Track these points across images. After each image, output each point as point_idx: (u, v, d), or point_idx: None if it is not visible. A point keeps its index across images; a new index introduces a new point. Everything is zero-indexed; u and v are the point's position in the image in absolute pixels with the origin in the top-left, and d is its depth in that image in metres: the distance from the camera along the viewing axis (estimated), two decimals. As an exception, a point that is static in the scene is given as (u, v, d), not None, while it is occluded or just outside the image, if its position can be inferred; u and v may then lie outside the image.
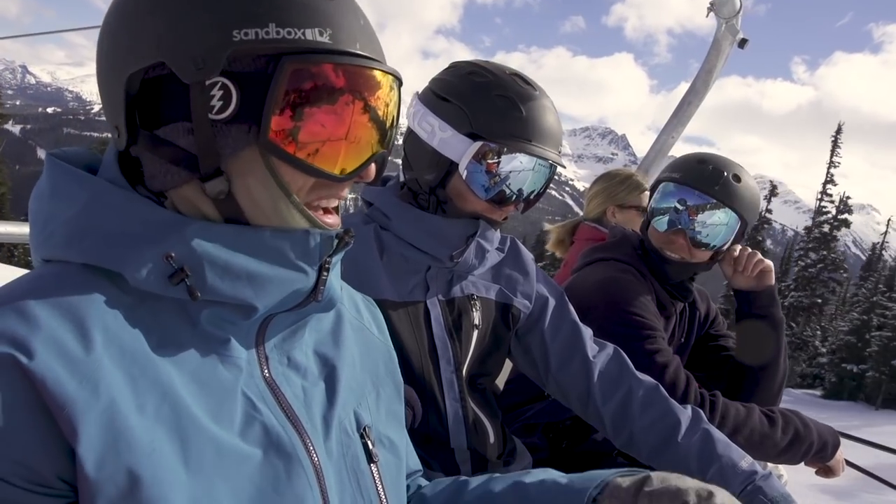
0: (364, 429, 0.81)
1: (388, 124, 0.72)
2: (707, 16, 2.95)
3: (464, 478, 0.98)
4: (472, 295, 1.41)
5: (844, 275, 30.64)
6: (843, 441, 1.70)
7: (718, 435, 1.36)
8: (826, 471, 1.68)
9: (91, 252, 0.64)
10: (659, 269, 1.84)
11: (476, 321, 1.40)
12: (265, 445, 0.68)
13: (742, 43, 2.97)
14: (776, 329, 1.85)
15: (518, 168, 1.26)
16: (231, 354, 0.70)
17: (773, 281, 1.87)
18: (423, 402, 1.30)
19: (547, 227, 2.91)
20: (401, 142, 1.37)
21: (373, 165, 0.72)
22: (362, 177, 0.72)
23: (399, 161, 1.39)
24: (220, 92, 0.64)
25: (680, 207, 1.77)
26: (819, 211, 30.18)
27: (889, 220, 41.40)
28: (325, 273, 0.72)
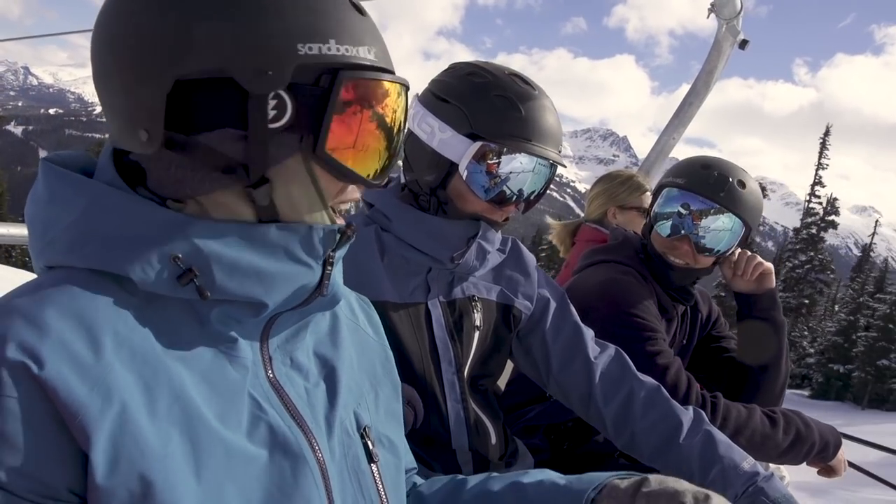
0: (364, 429, 0.81)
1: (402, 130, 0.77)
2: (708, 17, 2.95)
3: (461, 476, 0.98)
4: (474, 296, 1.41)
5: (832, 276, 30.90)
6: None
7: (720, 436, 1.36)
8: (828, 471, 1.68)
9: (96, 257, 0.63)
10: (662, 273, 1.83)
11: (477, 322, 1.40)
12: (272, 446, 0.68)
13: (743, 44, 2.97)
14: (777, 331, 1.85)
15: (518, 168, 1.26)
16: (239, 355, 0.70)
17: (774, 284, 1.86)
18: (425, 404, 1.29)
19: (550, 221, 2.92)
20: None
21: None
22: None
23: (400, 162, 1.39)
24: (274, 101, 0.65)
25: (683, 212, 1.76)
26: (808, 212, 30.45)
27: (877, 221, 41.59)
28: (330, 268, 0.73)
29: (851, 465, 1.91)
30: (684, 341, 1.99)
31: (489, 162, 1.24)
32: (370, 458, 0.80)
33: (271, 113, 0.65)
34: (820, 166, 31.23)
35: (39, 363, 0.56)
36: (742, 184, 1.74)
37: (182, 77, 0.63)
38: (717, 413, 1.55)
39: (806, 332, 30.73)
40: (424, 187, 1.31)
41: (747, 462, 1.30)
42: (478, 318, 1.40)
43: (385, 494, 0.81)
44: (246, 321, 0.70)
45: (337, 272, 0.75)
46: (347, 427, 0.79)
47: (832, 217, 30.11)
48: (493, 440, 1.42)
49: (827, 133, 31.30)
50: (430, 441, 1.33)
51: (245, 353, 0.71)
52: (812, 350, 30.92)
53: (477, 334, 1.40)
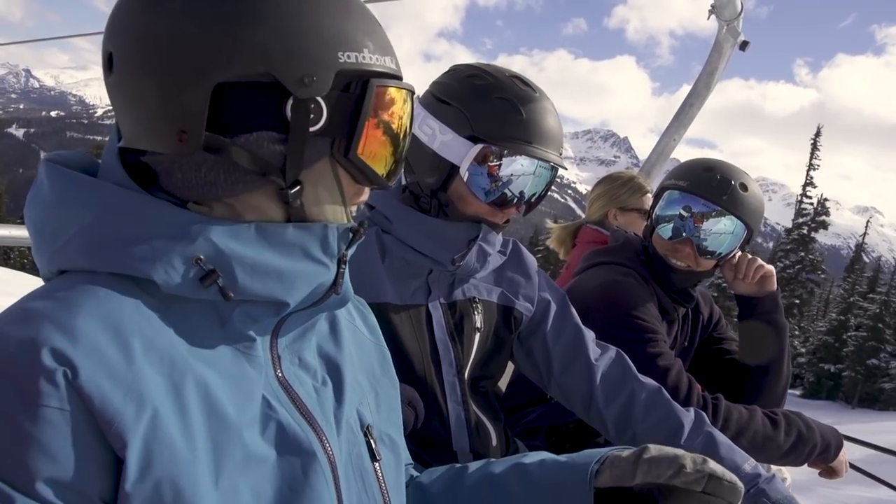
0: (367, 427, 0.82)
1: (410, 134, 0.81)
2: (708, 18, 2.94)
3: (461, 464, 0.99)
4: (474, 298, 1.41)
5: (823, 276, 31.18)
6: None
7: (721, 438, 1.36)
8: (829, 472, 1.67)
9: (116, 260, 0.63)
10: (663, 276, 1.83)
11: (478, 324, 1.40)
12: (283, 444, 0.69)
13: (743, 45, 2.97)
14: (779, 333, 1.84)
15: (519, 170, 1.26)
16: (256, 354, 0.71)
17: (775, 286, 1.86)
18: (426, 405, 1.29)
19: (549, 224, 2.91)
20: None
21: None
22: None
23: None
24: (312, 106, 0.67)
25: (685, 215, 1.76)
26: (799, 213, 30.70)
27: (867, 222, 41.88)
28: (343, 266, 0.74)
29: (853, 466, 1.91)
30: (685, 343, 1.99)
31: (490, 164, 1.24)
32: (373, 456, 0.81)
33: (310, 118, 0.67)
34: (811, 167, 31.57)
35: (74, 370, 0.56)
36: (744, 186, 1.74)
37: (225, 80, 0.64)
38: (718, 415, 1.55)
39: (797, 332, 31.00)
40: (425, 189, 1.31)
41: (749, 464, 1.30)
42: (478, 319, 1.40)
43: (387, 493, 0.82)
44: (263, 320, 0.70)
45: (347, 271, 0.76)
46: (352, 425, 0.80)
47: (823, 217, 30.37)
48: (494, 442, 1.42)
49: (818, 134, 31.63)
50: (430, 442, 1.33)
51: (260, 353, 0.71)
52: (804, 350, 31.20)
53: (478, 336, 1.40)
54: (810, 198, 30.79)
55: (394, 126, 0.74)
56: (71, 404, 0.55)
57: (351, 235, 0.74)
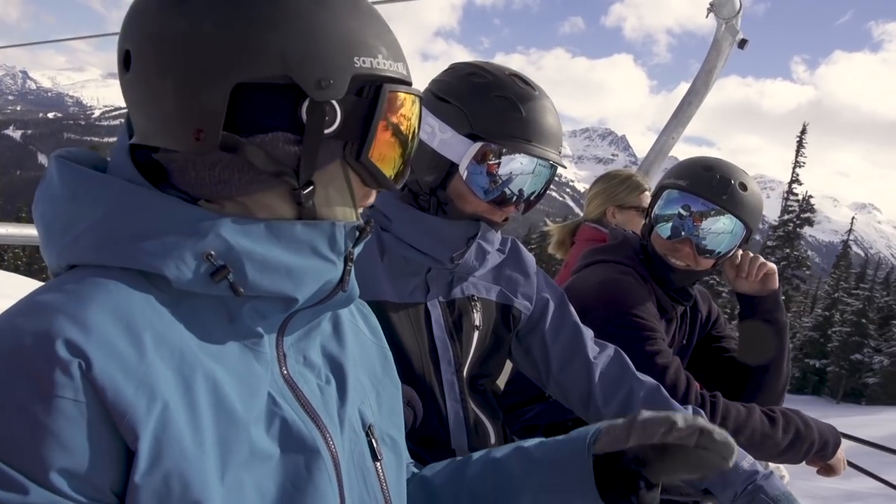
0: (369, 427, 0.83)
1: (417, 137, 0.83)
2: (707, 16, 2.94)
3: (462, 457, 1.01)
4: (473, 296, 1.41)
5: (808, 272, 31.51)
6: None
7: (720, 435, 1.36)
8: (827, 469, 1.68)
9: (128, 255, 0.64)
10: (662, 274, 1.83)
11: (477, 322, 1.40)
12: (287, 441, 0.69)
13: (742, 43, 2.96)
14: (779, 332, 1.85)
15: (518, 169, 1.26)
16: (264, 350, 0.71)
17: (777, 284, 1.86)
18: (424, 404, 1.30)
19: (549, 225, 2.91)
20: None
21: None
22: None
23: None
24: (327, 108, 0.69)
25: (684, 214, 1.76)
26: (785, 210, 31.05)
27: (853, 217, 42.22)
28: (350, 263, 0.75)
29: (850, 464, 1.92)
30: (684, 341, 1.99)
31: (489, 163, 1.24)
32: (374, 456, 0.82)
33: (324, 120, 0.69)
34: (798, 164, 32.15)
35: (87, 362, 0.56)
36: (744, 186, 1.74)
37: (243, 81, 0.65)
38: (716, 412, 1.55)
39: None
40: (424, 187, 1.31)
41: (747, 461, 1.31)
42: (477, 318, 1.40)
43: (388, 493, 0.83)
44: (271, 317, 0.71)
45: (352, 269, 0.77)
46: (354, 424, 0.80)
47: (807, 214, 30.91)
48: (493, 440, 1.42)
49: (804, 131, 32.15)
50: (429, 441, 1.33)
51: (266, 350, 0.72)
52: (790, 345, 31.65)
53: (476, 334, 1.40)
54: (796, 195, 31.19)
55: (403, 130, 0.76)
56: (86, 396, 0.56)
57: (357, 234, 0.75)
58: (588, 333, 1.50)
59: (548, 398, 1.77)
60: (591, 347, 1.47)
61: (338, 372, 0.82)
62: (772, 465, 2.06)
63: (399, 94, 0.73)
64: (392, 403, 0.93)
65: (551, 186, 1.37)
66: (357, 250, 0.76)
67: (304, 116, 0.68)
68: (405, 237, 1.32)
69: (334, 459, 0.73)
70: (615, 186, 2.71)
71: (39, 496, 0.54)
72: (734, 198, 1.72)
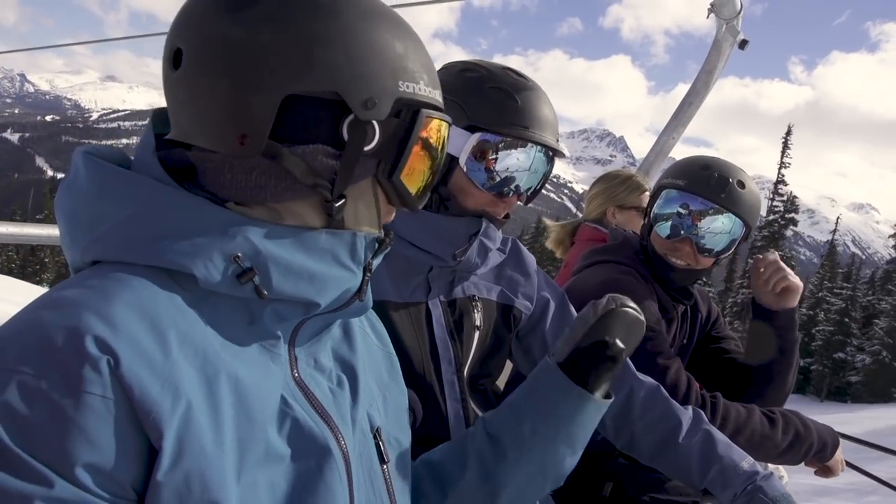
0: (377, 430, 0.84)
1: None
2: (707, 17, 2.94)
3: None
4: (474, 296, 1.41)
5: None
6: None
7: (719, 436, 1.36)
8: (825, 471, 1.68)
9: (157, 253, 0.64)
10: (662, 274, 1.83)
11: (477, 322, 1.40)
12: (300, 440, 0.70)
13: (742, 44, 2.97)
14: (786, 352, 1.81)
15: (517, 156, 1.25)
16: (279, 352, 0.73)
17: (795, 303, 1.81)
18: (424, 403, 1.29)
19: (548, 223, 2.91)
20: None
21: None
22: None
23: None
24: (367, 127, 0.71)
25: (683, 212, 1.76)
26: (770, 210, 31.44)
27: (838, 218, 42.59)
28: (369, 274, 0.77)
29: (849, 465, 1.91)
30: (684, 341, 1.99)
31: (488, 152, 1.24)
32: (382, 458, 0.83)
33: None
34: (783, 165, 32.94)
35: (116, 360, 0.57)
36: (741, 184, 1.74)
37: (294, 93, 0.67)
38: (716, 413, 1.55)
39: None
40: (425, 185, 1.31)
41: (746, 461, 1.31)
42: (478, 317, 1.40)
43: (394, 495, 0.84)
44: (290, 319, 0.72)
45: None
46: (363, 427, 0.81)
47: (792, 215, 31.49)
48: (493, 441, 1.42)
49: (788, 133, 32.99)
50: (429, 440, 1.32)
51: (282, 352, 0.73)
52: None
53: (477, 334, 1.40)
54: (782, 195, 31.59)
55: (432, 154, 0.79)
56: (114, 393, 0.57)
57: (377, 245, 0.77)
58: (588, 333, 1.50)
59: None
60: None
61: (349, 375, 0.83)
62: (771, 466, 2.06)
63: (434, 119, 0.77)
64: (398, 408, 0.94)
65: (549, 188, 1.38)
66: (376, 262, 0.78)
67: (346, 133, 0.70)
68: (406, 235, 1.31)
69: (345, 459, 0.74)
70: (615, 187, 2.71)
71: (64, 490, 0.55)
72: (732, 196, 1.72)
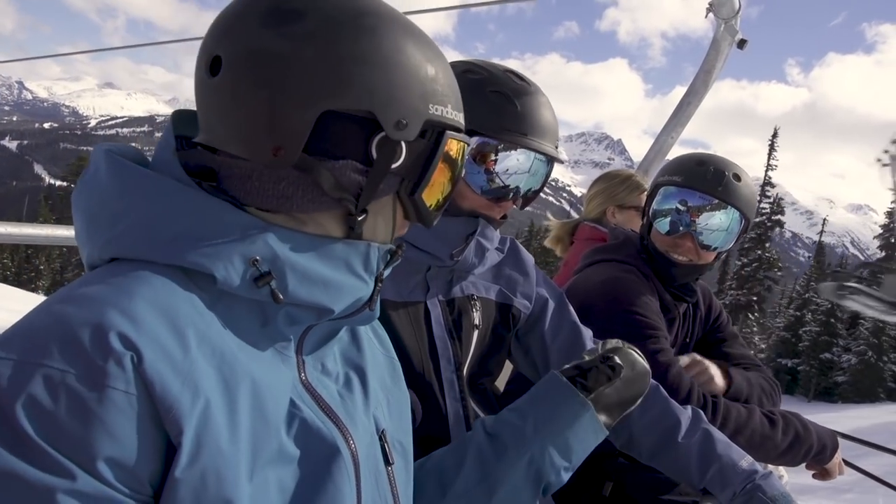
0: (382, 432, 0.85)
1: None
2: (706, 16, 2.94)
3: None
4: (473, 295, 1.41)
5: (779, 273, 32.27)
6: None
7: (718, 435, 1.36)
8: (824, 473, 1.68)
9: (178, 253, 0.65)
10: (665, 271, 1.83)
11: (476, 321, 1.40)
12: (309, 440, 0.71)
13: (741, 44, 2.97)
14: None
15: (515, 163, 1.25)
16: (290, 355, 0.74)
17: (720, 390, 1.74)
18: (424, 403, 1.29)
19: (549, 220, 2.92)
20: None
21: None
22: None
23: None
24: (396, 146, 0.73)
25: (682, 208, 1.77)
26: (758, 212, 31.99)
27: (825, 219, 42.73)
28: (380, 284, 0.79)
29: (849, 464, 1.92)
30: (686, 339, 1.99)
31: (486, 157, 1.24)
32: (387, 460, 0.84)
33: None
34: (769, 167, 33.46)
35: (139, 356, 0.58)
36: (737, 177, 1.75)
37: (330, 109, 0.69)
38: (717, 413, 1.55)
39: (756, 328, 32.23)
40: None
41: (745, 460, 1.31)
42: (477, 317, 1.40)
43: (398, 498, 0.85)
44: (303, 323, 0.74)
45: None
46: (369, 428, 0.83)
47: (778, 216, 31.93)
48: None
49: (775, 135, 33.56)
50: (429, 439, 1.32)
51: (292, 353, 0.75)
52: (763, 346, 32.06)
53: (476, 333, 1.40)
54: (769, 197, 31.85)
55: (452, 175, 0.83)
56: (136, 388, 0.57)
57: (389, 256, 0.79)
58: (587, 333, 1.50)
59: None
60: (591, 346, 1.47)
61: (356, 377, 0.85)
62: (770, 466, 2.06)
63: (456, 141, 0.80)
64: (401, 411, 0.95)
65: (547, 191, 1.38)
66: (387, 272, 0.80)
67: (374, 150, 0.72)
68: (405, 235, 1.31)
69: (354, 460, 0.75)
70: (615, 186, 2.71)
71: (86, 483, 0.55)
72: (729, 189, 1.73)
